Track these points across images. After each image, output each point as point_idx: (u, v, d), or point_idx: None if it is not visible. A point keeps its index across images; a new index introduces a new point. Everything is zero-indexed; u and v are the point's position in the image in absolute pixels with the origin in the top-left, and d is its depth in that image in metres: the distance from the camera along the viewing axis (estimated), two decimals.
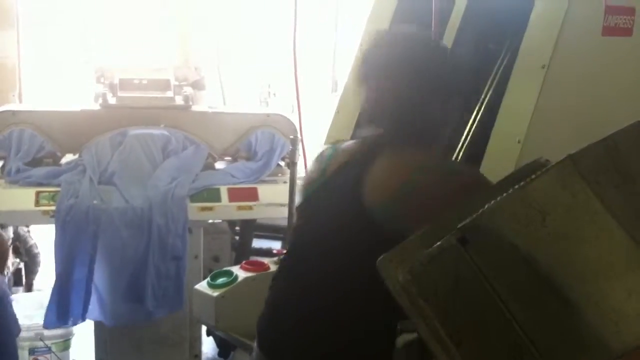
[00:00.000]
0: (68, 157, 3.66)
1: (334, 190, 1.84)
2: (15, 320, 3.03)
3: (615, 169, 0.78)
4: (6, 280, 3.22)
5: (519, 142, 2.31)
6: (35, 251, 4.68)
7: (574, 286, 0.72)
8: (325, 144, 2.92)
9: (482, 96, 2.57)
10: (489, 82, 2.57)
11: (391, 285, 0.80)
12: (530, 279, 0.73)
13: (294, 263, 1.92)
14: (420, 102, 1.85)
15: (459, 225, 0.74)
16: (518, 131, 2.33)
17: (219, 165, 3.80)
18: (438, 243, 0.76)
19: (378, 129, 1.90)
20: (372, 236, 1.69)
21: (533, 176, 0.74)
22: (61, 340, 3.72)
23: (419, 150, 1.84)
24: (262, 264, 2.83)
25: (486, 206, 0.74)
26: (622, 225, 0.74)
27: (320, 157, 1.96)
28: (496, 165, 2.30)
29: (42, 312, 3.46)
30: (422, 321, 0.78)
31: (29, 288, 4.71)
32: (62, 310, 3.31)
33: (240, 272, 2.77)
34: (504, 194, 0.74)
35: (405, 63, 1.86)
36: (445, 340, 0.77)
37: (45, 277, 4.64)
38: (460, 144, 2.55)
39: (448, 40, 2.60)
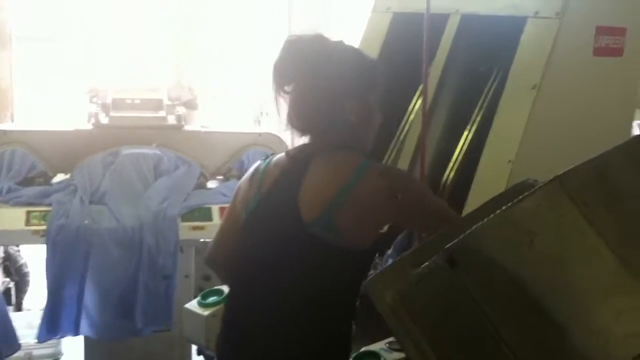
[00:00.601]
0: (59, 177, 3.65)
1: (272, 206, 1.86)
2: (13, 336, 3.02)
3: (603, 189, 0.78)
4: None
5: (509, 162, 2.31)
6: (25, 270, 4.66)
7: (562, 308, 0.72)
8: None
9: (473, 116, 2.58)
10: (479, 103, 2.58)
11: (379, 307, 0.80)
12: (519, 301, 0.72)
13: (243, 280, 1.93)
14: (328, 108, 1.85)
15: (447, 246, 0.74)
16: (509, 151, 2.33)
17: (211, 184, 3.80)
18: (426, 264, 0.76)
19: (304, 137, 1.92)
20: (317, 249, 1.76)
21: (521, 197, 0.74)
22: (51, 359, 3.69)
23: (344, 156, 1.85)
24: None
25: (474, 227, 0.74)
26: (610, 247, 0.74)
27: (255, 172, 1.95)
28: (487, 185, 2.30)
29: (32, 331, 3.45)
30: (410, 343, 0.78)
31: (18, 307, 4.68)
32: (53, 325, 3.32)
33: None
34: (492, 215, 0.74)
35: (307, 68, 1.84)
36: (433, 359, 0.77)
37: (35, 296, 4.62)
38: (451, 164, 2.55)
39: (439, 62, 2.61)
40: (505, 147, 2.36)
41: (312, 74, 1.84)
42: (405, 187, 1.82)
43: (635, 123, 2.84)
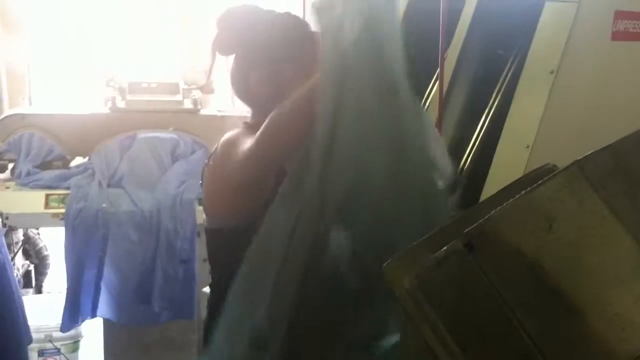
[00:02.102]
0: (77, 160, 3.68)
1: None
2: (27, 328, 3.05)
3: (622, 174, 0.78)
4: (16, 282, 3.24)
5: (527, 147, 2.31)
6: (45, 253, 4.71)
7: (581, 293, 0.72)
8: None
9: (491, 102, 2.57)
10: (497, 88, 2.57)
11: (397, 291, 0.80)
12: (537, 286, 0.73)
13: None
14: (239, 80, 1.80)
15: (465, 231, 0.74)
16: (527, 137, 2.33)
17: None
18: (444, 248, 0.76)
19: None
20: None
21: (539, 182, 0.74)
22: (70, 342, 3.74)
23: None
24: None
25: (492, 211, 0.74)
26: (630, 231, 0.74)
27: None
28: (505, 171, 2.30)
29: (51, 314, 3.49)
30: (428, 327, 0.78)
31: (38, 290, 4.73)
32: (74, 312, 3.35)
33: None
34: (511, 200, 0.74)
35: (228, 39, 1.79)
36: (451, 345, 0.77)
37: (55, 279, 4.66)
38: (469, 149, 2.55)
39: (456, 47, 2.60)
40: (523, 132, 2.36)
41: (229, 44, 1.80)
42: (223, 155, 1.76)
43: None
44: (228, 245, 1.73)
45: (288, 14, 1.83)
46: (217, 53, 1.83)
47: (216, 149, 1.82)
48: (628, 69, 2.54)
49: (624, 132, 0.88)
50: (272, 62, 1.74)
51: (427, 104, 2.71)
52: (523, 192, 0.74)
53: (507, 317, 0.73)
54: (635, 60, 2.54)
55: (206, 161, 1.89)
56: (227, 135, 1.80)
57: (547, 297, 0.72)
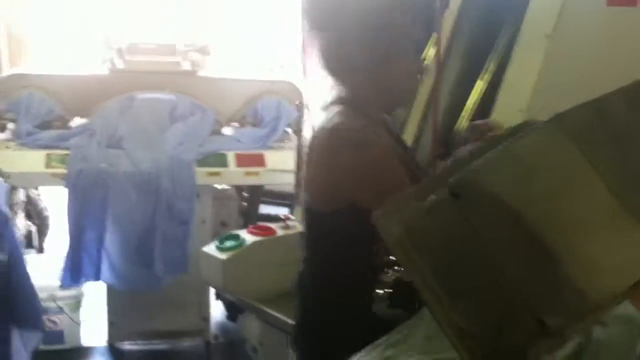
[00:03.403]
0: (76, 121, 3.70)
1: None
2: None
3: (603, 129, 0.81)
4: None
5: (521, 111, 2.33)
6: (46, 214, 4.75)
7: (558, 240, 0.76)
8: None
9: (487, 66, 2.59)
10: (493, 52, 2.59)
11: (386, 239, 0.85)
12: (518, 232, 0.76)
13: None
14: (334, 55, 1.74)
15: (450, 180, 0.78)
16: (521, 101, 2.35)
17: (226, 131, 3.84)
18: (431, 197, 0.80)
19: (337, 86, 1.81)
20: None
21: (521, 134, 0.78)
22: (73, 301, 3.79)
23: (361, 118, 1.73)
24: (269, 228, 2.88)
25: (476, 161, 0.78)
26: (607, 184, 0.78)
27: None
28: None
29: (54, 273, 3.54)
30: (416, 273, 0.82)
31: (40, 250, 4.78)
32: (75, 271, 3.40)
33: (247, 236, 2.83)
34: (493, 150, 0.78)
35: (320, 13, 1.75)
36: (438, 291, 0.81)
37: (55, 240, 4.71)
38: (464, 113, 2.58)
39: (452, 11, 2.61)
40: (518, 96, 2.38)
41: (321, 18, 1.76)
42: (340, 150, 1.67)
43: None
44: (328, 225, 1.74)
45: None
46: (307, 26, 1.81)
47: (325, 131, 1.74)
48: (623, 34, 2.55)
49: None
50: (367, 31, 1.71)
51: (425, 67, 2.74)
52: (505, 142, 0.78)
53: (490, 262, 0.77)
54: (630, 25, 2.56)
55: (318, 141, 1.78)
56: (336, 120, 1.73)
57: (527, 243, 0.76)
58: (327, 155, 1.68)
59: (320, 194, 1.75)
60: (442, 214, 0.79)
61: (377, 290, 1.56)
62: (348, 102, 1.75)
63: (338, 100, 1.77)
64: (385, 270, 1.56)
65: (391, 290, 1.51)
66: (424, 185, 0.87)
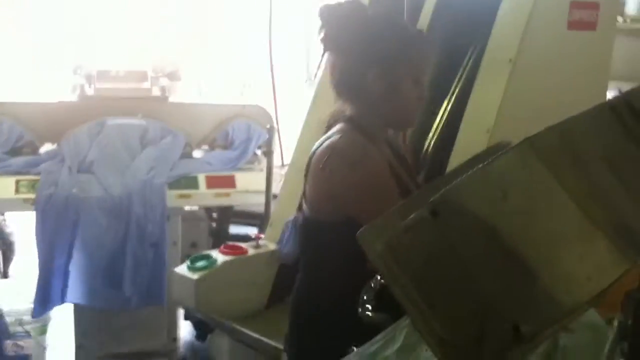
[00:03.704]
0: (46, 147, 3.71)
1: None
2: None
3: (569, 151, 0.88)
4: None
5: (487, 131, 2.40)
6: (12, 239, 4.72)
7: (532, 254, 0.82)
8: (301, 132, 3.02)
9: (453, 88, 2.66)
10: (458, 75, 2.66)
11: (370, 255, 0.90)
12: (494, 248, 0.82)
13: None
14: (351, 77, 1.86)
15: (430, 200, 0.83)
16: (487, 122, 2.42)
17: (197, 154, 3.88)
18: (412, 215, 0.85)
19: (344, 106, 1.92)
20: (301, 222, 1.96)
21: (495, 156, 0.84)
22: (40, 324, 3.77)
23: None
24: (241, 247, 2.91)
25: (454, 182, 0.84)
26: (575, 201, 0.84)
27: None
28: (466, 153, 2.37)
29: (20, 297, 3.53)
30: (398, 287, 0.87)
31: (5, 275, 4.75)
32: (45, 298, 3.39)
33: (219, 256, 2.85)
34: (470, 172, 0.84)
35: (339, 35, 1.84)
36: (419, 303, 0.87)
37: (20, 264, 4.68)
38: (432, 133, 2.64)
39: None
40: (483, 117, 2.45)
41: (342, 42, 1.85)
42: (338, 166, 1.80)
43: (608, 94, 2.93)
44: (324, 234, 1.87)
45: (398, 15, 2.01)
46: (326, 49, 1.90)
47: (327, 147, 1.85)
48: (583, 57, 2.65)
49: None
50: (383, 60, 1.84)
51: None
52: (481, 165, 0.83)
53: (468, 275, 0.83)
54: (590, 48, 2.66)
55: (318, 154, 1.88)
56: (338, 137, 1.85)
57: (503, 258, 0.82)
58: (326, 170, 1.79)
59: (318, 205, 1.87)
60: (422, 231, 0.85)
61: (363, 296, 1.63)
62: (352, 122, 1.86)
63: (342, 119, 1.87)
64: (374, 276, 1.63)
65: (375, 296, 1.58)
66: (406, 204, 0.93)
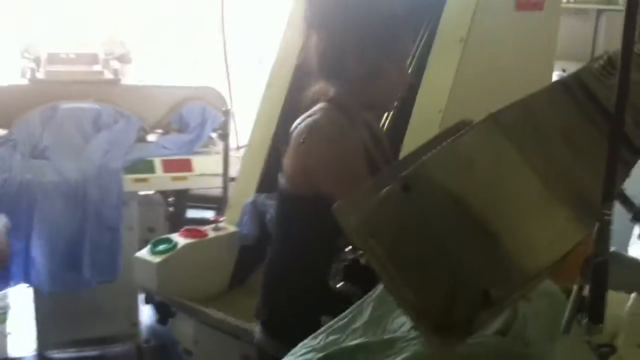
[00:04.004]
0: None
1: None
2: None
3: (530, 126, 0.94)
4: None
5: (440, 112, 2.46)
6: None
7: (498, 223, 0.88)
8: (257, 114, 3.05)
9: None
10: (411, 56, 2.71)
11: (344, 227, 0.95)
12: (461, 217, 0.87)
13: None
14: (332, 57, 1.86)
15: (401, 174, 0.89)
16: (439, 102, 2.48)
17: (151, 138, 3.87)
18: (384, 190, 0.90)
19: (326, 86, 1.91)
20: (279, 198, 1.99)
21: (462, 132, 0.90)
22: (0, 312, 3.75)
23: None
24: (200, 230, 2.94)
25: (423, 157, 0.89)
26: (536, 172, 0.90)
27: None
28: (419, 133, 2.45)
29: None
30: (372, 257, 0.93)
31: None
32: (4, 281, 3.37)
33: (179, 239, 2.87)
34: (438, 147, 0.89)
35: (321, 14, 1.85)
36: (393, 272, 0.92)
37: None
38: (386, 114, 2.70)
39: None
40: (435, 97, 2.51)
41: (324, 21, 1.86)
42: (316, 142, 1.82)
43: (555, 73, 3.04)
44: (300, 208, 1.89)
45: None
46: (308, 28, 1.90)
47: (305, 124, 1.86)
48: (531, 37, 2.74)
49: (526, 94, 1.04)
50: (365, 39, 1.83)
51: None
52: (449, 140, 0.89)
53: (438, 245, 0.88)
54: (537, 28, 2.75)
55: (299, 129, 1.89)
56: (318, 115, 1.87)
57: (471, 227, 0.88)
58: (305, 145, 1.82)
59: (293, 179, 1.89)
60: (395, 204, 0.90)
61: (334, 265, 1.68)
62: (333, 102, 1.87)
63: (324, 99, 1.88)
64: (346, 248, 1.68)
65: (346, 266, 1.63)
66: (378, 179, 0.98)
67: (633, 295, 1.54)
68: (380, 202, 0.91)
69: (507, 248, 0.87)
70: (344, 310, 1.60)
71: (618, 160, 0.92)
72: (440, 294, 0.89)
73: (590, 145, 1.01)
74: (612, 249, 0.95)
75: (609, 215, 0.92)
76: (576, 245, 0.92)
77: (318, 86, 1.92)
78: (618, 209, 1.16)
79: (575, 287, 0.96)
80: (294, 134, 1.90)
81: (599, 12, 5.35)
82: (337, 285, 1.71)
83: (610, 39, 5.10)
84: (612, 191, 0.90)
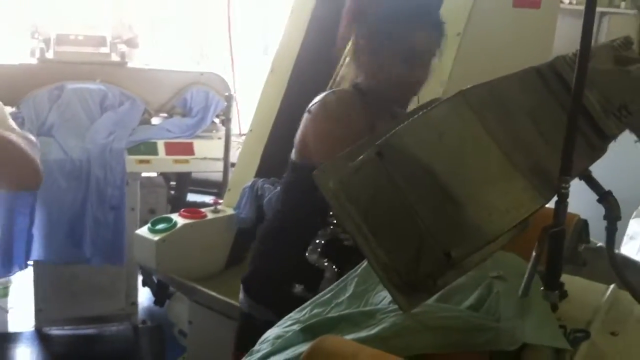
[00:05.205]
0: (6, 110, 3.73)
1: None
2: None
3: (495, 103, 1.02)
4: None
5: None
6: None
7: (462, 189, 0.95)
8: (260, 100, 3.13)
9: None
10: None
11: (324, 192, 1.03)
12: (430, 184, 0.95)
13: None
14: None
15: (376, 143, 0.97)
16: (436, 93, 2.55)
17: (155, 121, 3.95)
18: (361, 157, 0.99)
19: (360, 73, 1.99)
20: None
21: (433, 105, 0.98)
22: (1, 287, 3.82)
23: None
24: (200, 212, 3.02)
25: (397, 127, 0.97)
26: (499, 145, 0.98)
27: None
28: None
29: None
30: (349, 220, 1.01)
31: None
32: (7, 259, 3.45)
33: (179, 219, 2.96)
34: (411, 119, 0.97)
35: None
36: (367, 234, 1.00)
37: None
38: None
39: None
40: (432, 91, 2.58)
41: (356, 13, 1.96)
42: (320, 115, 1.91)
43: None
44: (299, 178, 1.97)
45: None
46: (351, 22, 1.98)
47: (329, 99, 1.94)
48: (527, 33, 2.80)
49: None
50: (375, 37, 1.91)
51: (343, 68, 2.91)
52: (420, 112, 0.97)
53: (408, 209, 0.96)
54: (533, 24, 2.81)
55: (313, 102, 1.97)
56: (336, 95, 1.97)
57: (437, 192, 0.95)
58: (310, 115, 1.92)
59: (296, 146, 1.99)
60: (369, 170, 0.98)
61: (314, 240, 1.76)
62: (356, 86, 1.96)
63: (352, 84, 1.98)
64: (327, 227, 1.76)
65: (325, 243, 1.71)
66: (355, 148, 1.06)
67: (612, 285, 1.60)
68: (356, 168, 0.99)
69: (468, 212, 0.95)
70: (316, 283, 1.69)
71: (575, 133, 1.00)
72: (408, 253, 0.97)
73: (557, 126, 1.09)
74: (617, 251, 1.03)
75: (566, 188, 1.00)
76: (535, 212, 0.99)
77: (352, 72, 2.00)
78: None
79: (533, 254, 1.04)
80: (311, 106, 1.98)
81: (601, 14, 5.42)
82: (314, 259, 1.78)
83: None
84: (569, 165, 0.98)
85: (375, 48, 1.90)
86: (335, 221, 1.77)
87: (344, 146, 1.89)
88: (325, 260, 1.79)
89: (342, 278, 1.60)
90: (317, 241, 1.79)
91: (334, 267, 1.78)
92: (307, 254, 1.81)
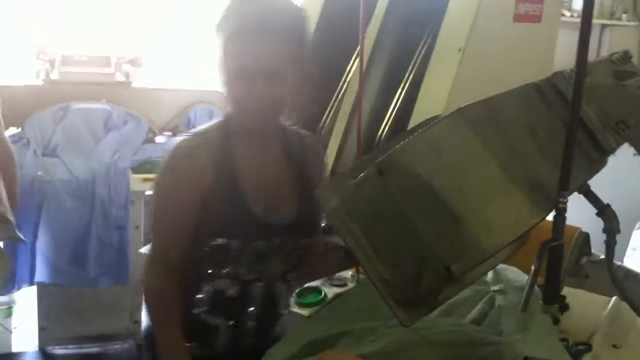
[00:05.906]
0: (10, 131, 3.76)
1: None
2: None
3: (493, 120, 1.04)
4: None
5: (437, 116, 2.53)
6: None
7: (461, 205, 0.97)
8: None
9: (406, 76, 2.78)
10: (411, 63, 2.78)
11: (326, 210, 1.04)
12: (430, 200, 0.97)
13: None
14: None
15: (377, 160, 0.98)
16: (437, 108, 2.55)
17: (159, 139, 3.97)
18: (362, 174, 1.00)
19: None
20: None
21: (432, 123, 1.00)
22: (4, 307, 3.81)
23: None
24: None
25: (397, 145, 0.99)
26: (497, 161, 0.99)
27: None
28: None
29: None
30: (349, 236, 1.02)
31: None
32: (11, 278, 3.45)
33: None
34: (411, 137, 0.99)
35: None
36: (367, 249, 1.02)
37: None
38: (387, 118, 2.77)
39: (374, 26, 2.81)
40: (434, 104, 2.58)
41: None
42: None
43: None
44: None
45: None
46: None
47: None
48: (528, 48, 2.81)
49: None
50: (223, 56, 1.72)
51: (349, 78, 2.93)
52: (420, 130, 0.99)
53: (408, 224, 0.98)
54: (534, 39, 2.82)
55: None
56: (185, 140, 1.85)
57: (437, 208, 0.97)
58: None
59: None
60: (370, 187, 1.00)
61: (199, 296, 1.74)
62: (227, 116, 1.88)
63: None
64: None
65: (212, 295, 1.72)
66: (358, 164, 1.08)
67: (614, 298, 1.61)
68: (358, 186, 1.00)
69: (468, 228, 0.96)
70: (210, 339, 1.71)
71: (574, 147, 1.01)
72: (409, 269, 0.98)
73: (555, 140, 1.10)
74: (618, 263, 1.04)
75: (564, 203, 1.01)
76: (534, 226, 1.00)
77: None
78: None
79: (532, 268, 1.05)
80: None
81: (603, 26, 5.44)
82: (201, 315, 1.74)
83: None
84: (567, 180, 0.99)
85: (221, 69, 1.72)
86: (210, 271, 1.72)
87: (165, 205, 1.73)
88: (214, 315, 1.75)
89: (343, 292, 1.61)
90: (202, 296, 1.74)
91: (223, 320, 1.75)
92: (194, 311, 1.76)
